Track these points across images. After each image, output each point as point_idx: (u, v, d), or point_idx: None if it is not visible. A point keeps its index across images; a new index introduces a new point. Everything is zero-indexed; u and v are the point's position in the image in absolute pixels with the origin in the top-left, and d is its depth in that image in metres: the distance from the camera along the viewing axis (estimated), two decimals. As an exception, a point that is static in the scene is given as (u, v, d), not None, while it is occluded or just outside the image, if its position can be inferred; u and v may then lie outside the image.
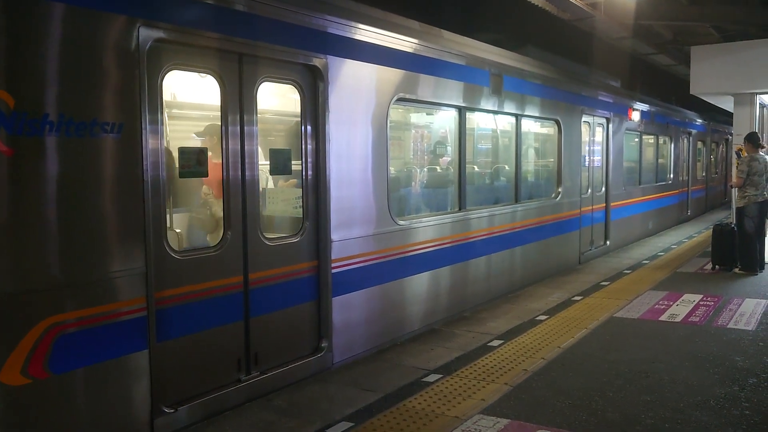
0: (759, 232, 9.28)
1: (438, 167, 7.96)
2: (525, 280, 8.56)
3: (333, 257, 5.24)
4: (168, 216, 4.26)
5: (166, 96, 4.39)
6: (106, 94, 3.67)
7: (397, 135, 7.54)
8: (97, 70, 3.63)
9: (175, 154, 4.28)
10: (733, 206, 9.72)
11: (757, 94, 11.76)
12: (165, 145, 4.14)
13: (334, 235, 5.25)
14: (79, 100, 3.54)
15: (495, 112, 8.02)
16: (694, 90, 12.09)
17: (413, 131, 7.98)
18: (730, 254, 9.40)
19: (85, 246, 3.60)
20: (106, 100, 3.67)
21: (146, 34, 3.82)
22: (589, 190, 10.74)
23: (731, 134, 14.08)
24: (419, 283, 6.41)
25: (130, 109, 3.76)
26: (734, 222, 9.51)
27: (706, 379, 4.94)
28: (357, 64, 5.48)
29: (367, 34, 5.55)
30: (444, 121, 7.78)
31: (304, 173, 5.11)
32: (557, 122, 9.42)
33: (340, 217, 5.30)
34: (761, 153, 9.23)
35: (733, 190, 9.75)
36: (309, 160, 5.13)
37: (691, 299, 7.60)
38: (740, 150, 9.70)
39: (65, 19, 3.47)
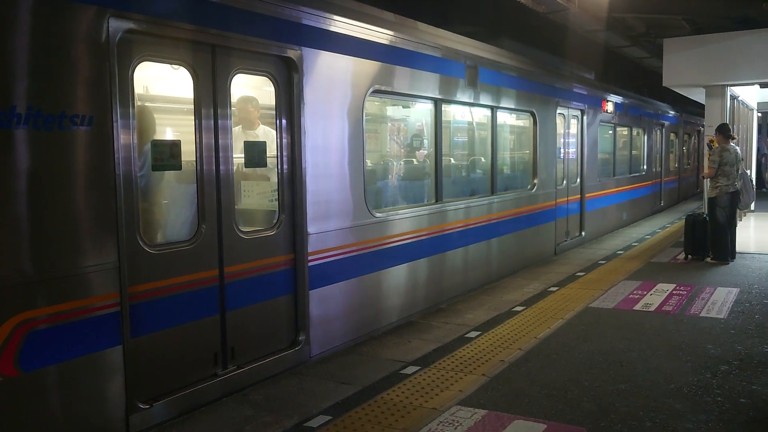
0: (730, 222, 9.44)
1: (414, 159, 7.96)
2: (502, 272, 8.61)
3: (309, 250, 5.22)
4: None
5: (138, 88, 4.33)
6: (75, 87, 3.59)
7: (373, 127, 7.51)
8: (67, 62, 3.55)
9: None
10: (705, 197, 9.87)
11: (727, 86, 11.93)
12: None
13: (311, 228, 5.22)
14: (48, 92, 3.46)
15: (471, 105, 8.03)
16: (667, 82, 12.23)
17: (390, 124, 7.97)
18: (703, 244, 9.56)
19: (56, 241, 3.53)
20: (76, 93, 3.60)
21: (116, 25, 3.75)
22: (565, 182, 10.83)
23: (703, 126, 14.28)
24: (396, 276, 6.42)
25: (101, 101, 3.70)
26: (706, 212, 9.66)
27: (679, 367, 5.02)
28: (332, 55, 5.44)
29: (342, 25, 5.52)
30: (420, 113, 7.77)
31: (279, 166, 5.07)
32: (532, 114, 9.47)
33: (316, 209, 5.27)
34: (732, 144, 9.37)
35: (705, 180, 9.90)
36: (284, 152, 5.09)
37: (664, 289, 7.71)
38: (712, 141, 9.85)
39: (33, 10, 3.39)
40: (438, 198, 7.21)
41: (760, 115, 20.16)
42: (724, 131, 9.42)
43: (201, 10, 4.33)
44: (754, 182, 12.03)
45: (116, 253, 3.80)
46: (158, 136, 4.51)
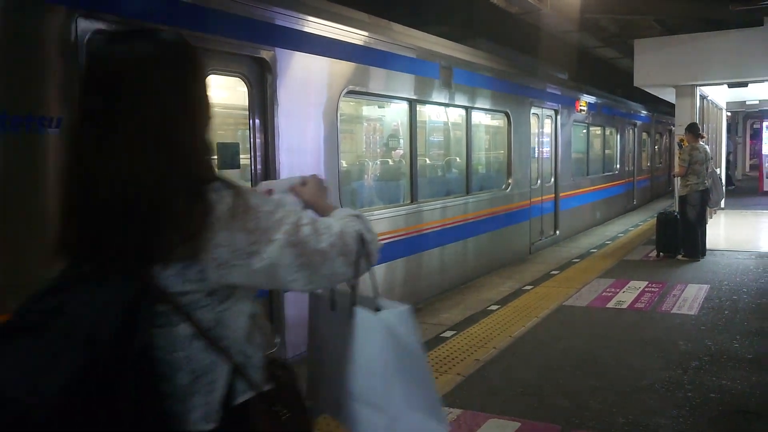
0: (701, 219, 9.60)
1: (390, 160, 7.97)
2: (477, 271, 8.66)
3: (284, 252, 5.18)
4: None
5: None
6: (43, 88, 3.54)
7: (348, 128, 7.51)
8: (33, 63, 3.50)
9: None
10: (676, 195, 10.02)
11: (697, 86, 12.14)
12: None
13: (285, 230, 5.19)
14: (13, 93, 3.41)
15: (445, 105, 8.07)
16: (638, 82, 12.40)
17: (365, 124, 7.97)
18: (674, 242, 9.70)
19: (24, 246, 3.47)
20: (44, 94, 3.54)
21: (85, 25, 3.69)
22: (539, 181, 10.92)
23: (674, 125, 14.51)
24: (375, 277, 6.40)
25: (70, 103, 3.64)
26: (677, 210, 9.81)
27: (651, 364, 5.09)
28: (306, 56, 5.43)
29: (315, 26, 5.50)
30: (395, 113, 7.78)
31: (253, 167, 5.04)
32: (507, 114, 9.53)
33: (290, 211, 5.24)
34: (701, 143, 9.53)
35: (676, 179, 10.05)
36: (258, 153, 5.06)
37: (636, 286, 7.81)
38: (682, 141, 10.00)
39: (-3, 9, 3.33)
40: (413, 198, 7.23)
41: (729, 114, 20.55)
42: (693, 130, 9.57)
43: (172, 10, 4.29)
44: (723, 180, 12.25)
45: (87, 256, 3.74)
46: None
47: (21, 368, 1.12)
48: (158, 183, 1.23)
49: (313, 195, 1.57)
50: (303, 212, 1.37)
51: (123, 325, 1.15)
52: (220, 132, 5.59)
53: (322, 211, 1.54)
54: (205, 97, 1.39)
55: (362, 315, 1.49)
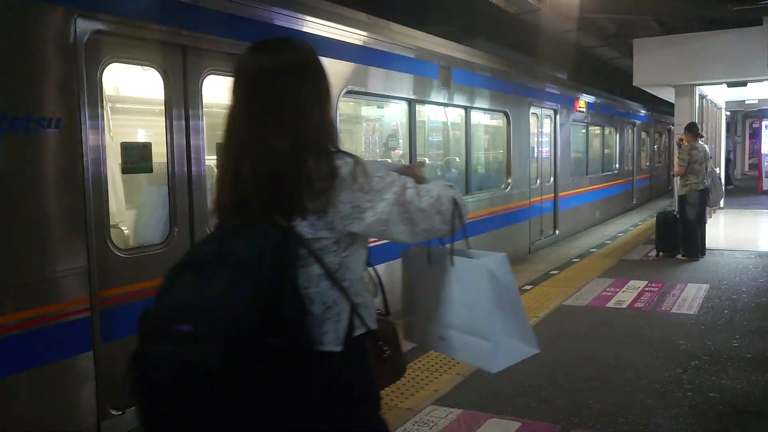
0: (700, 219, 9.60)
1: (389, 160, 7.96)
2: (477, 271, 8.64)
3: (284, 252, 5.18)
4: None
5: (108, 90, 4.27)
6: (41, 88, 3.53)
7: (347, 128, 7.51)
8: (32, 63, 3.49)
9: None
10: (676, 194, 10.02)
11: (696, 85, 12.13)
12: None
13: (285, 230, 5.18)
14: (13, 93, 3.40)
15: (444, 105, 8.06)
16: (637, 82, 12.40)
17: (364, 124, 7.97)
18: (673, 241, 9.70)
19: (24, 246, 3.47)
20: (42, 94, 3.54)
21: (84, 25, 3.69)
22: (538, 181, 10.92)
23: (673, 125, 14.52)
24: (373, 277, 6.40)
25: (69, 103, 3.64)
26: (677, 210, 9.82)
27: (651, 363, 5.09)
28: (305, 56, 5.42)
29: (314, 26, 5.50)
30: (395, 114, 7.78)
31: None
32: (506, 114, 9.53)
33: (290, 211, 5.24)
34: (700, 142, 9.53)
35: (675, 178, 10.04)
36: (257, 154, 5.05)
37: (636, 286, 7.81)
38: (681, 140, 10.00)
39: (-4, 10, 3.33)
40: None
41: (728, 114, 20.56)
42: (692, 130, 9.58)
43: (171, 10, 4.28)
44: (722, 180, 12.25)
45: (86, 257, 3.74)
46: (129, 138, 4.46)
47: (197, 296, 1.48)
48: (294, 153, 1.59)
49: (411, 171, 1.84)
50: (408, 178, 1.70)
51: (277, 264, 1.50)
52: (219, 133, 5.59)
53: (419, 182, 1.80)
54: (327, 88, 1.74)
55: (463, 262, 1.86)
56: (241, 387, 1.44)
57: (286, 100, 1.64)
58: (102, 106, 3.91)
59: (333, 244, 1.62)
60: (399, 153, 7.81)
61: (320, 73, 1.74)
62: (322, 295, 1.61)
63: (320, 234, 1.60)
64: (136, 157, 4.20)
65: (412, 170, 1.84)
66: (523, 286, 7.97)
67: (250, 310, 1.44)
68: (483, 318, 1.79)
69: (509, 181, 9.70)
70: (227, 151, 1.68)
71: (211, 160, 4.86)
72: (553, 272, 8.85)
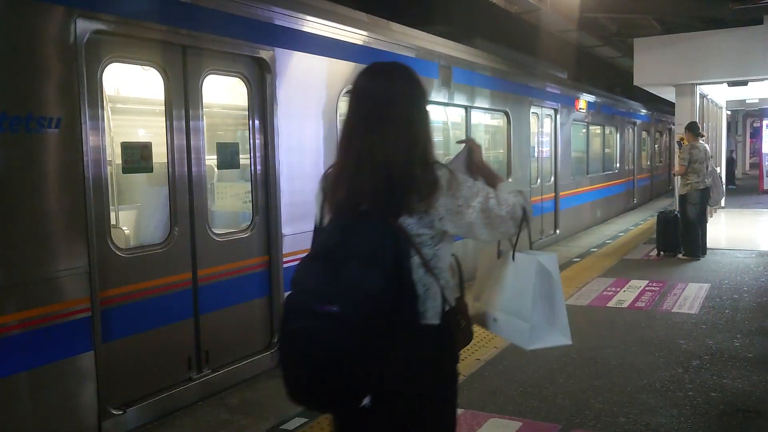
0: (701, 218, 9.59)
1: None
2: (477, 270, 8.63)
3: (284, 252, 5.18)
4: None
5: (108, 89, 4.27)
6: (42, 88, 3.53)
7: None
8: (33, 63, 3.50)
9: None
10: (677, 194, 10.01)
11: (697, 84, 12.12)
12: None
13: (285, 230, 5.19)
14: (13, 93, 3.41)
15: (445, 104, 8.05)
16: (638, 81, 12.39)
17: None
18: (674, 240, 9.69)
19: (24, 246, 3.47)
20: (43, 94, 3.54)
21: (84, 25, 3.69)
22: (539, 180, 10.91)
23: (674, 124, 14.50)
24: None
25: (69, 103, 3.64)
26: (677, 209, 9.81)
27: (652, 363, 5.09)
28: (305, 56, 5.42)
29: (314, 26, 5.50)
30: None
31: (252, 167, 5.03)
32: (506, 114, 9.52)
33: (291, 211, 5.25)
34: (701, 142, 9.52)
35: (676, 178, 10.03)
36: (257, 153, 5.05)
37: (637, 285, 7.80)
38: (681, 139, 9.99)
39: (-4, 10, 3.32)
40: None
41: (728, 113, 20.54)
42: (693, 129, 9.57)
43: (171, 10, 4.28)
44: (723, 179, 12.24)
45: (86, 257, 3.74)
46: (128, 138, 4.45)
47: (337, 282, 1.79)
48: (406, 163, 1.92)
49: (483, 170, 2.23)
50: (489, 189, 2.05)
51: (396, 256, 1.84)
52: (219, 132, 5.59)
53: (490, 178, 2.19)
54: (428, 108, 2.08)
55: (522, 257, 2.19)
56: (376, 353, 1.80)
57: (401, 120, 1.97)
58: (102, 106, 3.91)
59: (429, 239, 1.96)
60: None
61: (425, 95, 2.07)
62: (421, 280, 1.95)
63: (420, 231, 1.94)
64: (136, 157, 4.19)
65: (477, 154, 2.25)
66: (524, 285, 7.96)
67: (383, 294, 1.79)
68: (527, 303, 2.12)
69: (510, 180, 9.69)
70: (345, 157, 2.01)
71: (211, 160, 4.86)
72: (553, 272, 8.81)
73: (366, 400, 1.87)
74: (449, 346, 2.07)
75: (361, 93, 2.03)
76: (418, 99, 2.04)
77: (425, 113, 2.06)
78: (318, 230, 2.11)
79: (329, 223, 2.02)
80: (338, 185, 2.00)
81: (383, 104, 1.98)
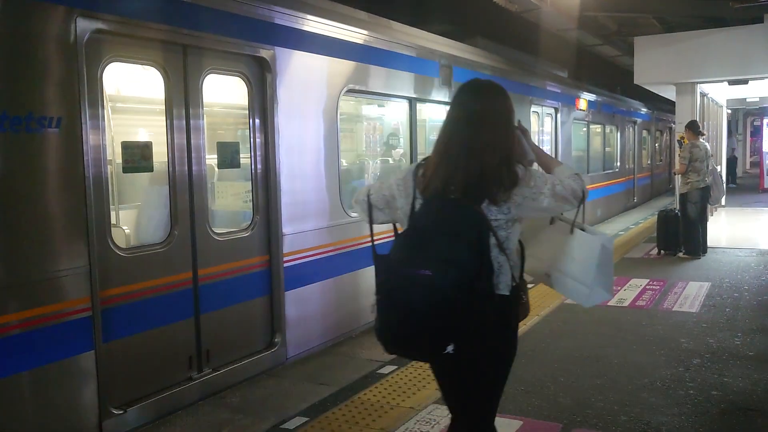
0: (701, 217, 9.58)
1: (390, 159, 7.95)
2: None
3: (285, 251, 5.19)
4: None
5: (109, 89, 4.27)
6: (42, 87, 3.54)
7: (348, 127, 7.50)
8: (33, 62, 3.49)
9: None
10: (677, 192, 10.01)
11: (697, 83, 12.11)
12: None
13: (286, 229, 5.19)
14: (13, 93, 3.40)
15: (445, 103, 8.04)
16: (638, 80, 12.38)
17: (365, 123, 7.95)
18: (675, 239, 9.68)
19: (25, 245, 3.47)
20: (43, 94, 3.54)
21: (84, 25, 3.69)
22: (539, 179, 10.87)
23: (674, 122, 14.49)
24: (374, 275, 6.38)
25: (69, 102, 3.64)
26: (678, 208, 9.80)
27: (653, 361, 5.09)
28: (305, 55, 5.42)
29: (315, 25, 5.49)
30: (395, 112, 7.77)
31: (253, 166, 5.03)
32: (507, 113, 9.49)
33: (291, 210, 5.25)
34: (701, 140, 9.51)
35: (676, 176, 10.02)
36: (258, 153, 5.05)
37: (638, 284, 7.80)
38: (682, 138, 9.98)
39: (-4, 9, 3.32)
40: (414, 197, 7.20)
41: (729, 112, 20.52)
42: (693, 128, 9.55)
43: (171, 9, 4.28)
44: (724, 178, 12.22)
45: (87, 256, 3.74)
46: (129, 138, 4.45)
47: (431, 252, 2.24)
48: (495, 164, 2.36)
49: (539, 154, 2.66)
50: (555, 178, 2.46)
51: (479, 235, 2.28)
52: (219, 132, 5.59)
53: (546, 163, 2.63)
54: (515, 119, 2.55)
55: (585, 235, 2.67)
56: (459, 311, 2.21)
57: (494, 129, 2.43)
58: (103, 106, 3.91)
59: (504, 223, 2.38)
60: (400, 152, 7.80)
61: (512, 109, 2.54)
62: (496, 258, 2.35)
63: (497, 216, 2.36)
64: (136, 157, 4.19)
65: (528, 137, 2.65)
66: (526, 284, 7.95)
67: (469, 264, 2.22)
68: (589, 272, 2.62)
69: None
70: (444, 153, 2.43)
71: (211, 160, 4.86)
72: (554, 271, 8.81)
73: (449, 348, 2.25)
74: (515, 313, 2.51)
75: (462, 105, 2.50)
76: (508, 112, 2.51)
77: (512, 124, 2.53)
78: (412, 213, 2.47)
79: (422, 207, 2.45)
80: (435, 177, 2.42)
81: (480, 116, 2.44)
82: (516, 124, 2.55)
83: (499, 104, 2.51)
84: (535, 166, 2.62)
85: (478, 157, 2.37)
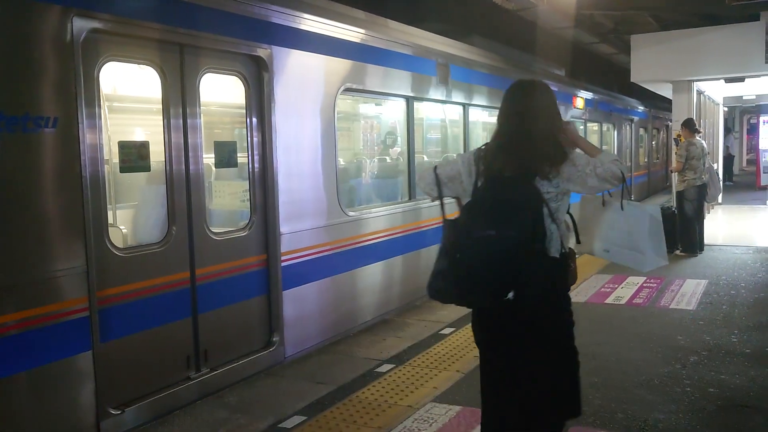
0: (698, 214, 9.60)
1: (388, 157, 7.96)
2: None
3: (282, 250, 5.19)
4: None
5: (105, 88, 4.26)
6: (39, 87, 3.53)
7: (345, 126, 7.50)
8: (29, 62, 3.49)
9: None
10: (674, 190, 10.02)
11: (694, 81, 12.12)
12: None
13: (283, 228, 5.19)
14: (10, 93, 3.40)
15: (442, 102, 8.05)
16: (635, 78, 12.39)
17: (362, 122, 7.96)
18: (672, 237, 9.68)
19: (22, 246, 3.47)
20: (40, 94, 3.53)
21: (81, 24, 3.68)
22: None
23: (671, 120, 14.51)
24: (371, 274, 6.41)
25: (66, 102, 3.63)
26: (675, 205, 9.81)
27: (650, 359, 5.10)
28: (302, 54, 5.42)
29: (312, 24, 5.49)
30: (392, 111, 7.78)
31: (250, 166, 5.03)
32: (504, 111, 9.49)
33: (288, 209, 5.25)
34: (698, 138, 9.53)
35: (673, 174, 10.03)
36: (255, 152, 5.05)
37: (635, 282, 7.82)
38: (678, 136, 10.00)
39: (-8, 9, 3.32)
40: (411, 195, 7.23)
41: (725, 109, 20.55)
42: (689, 126, 9.57)
43: (168, 9, 4.28)
44: (720, 175, 12.24)
45: (84, 256, 3.74)
46: (126, 137, 4.45)
47: (496, 216, 2.72)
48: (545, 145, 2.85)
49: (583, 144, 3.00)
50: (596, 160, 2.82)
51: (534, 206, 2.75)
52: (216, 131, 5.59)
53: (590, 150, 2.94)
54: (559, 109, 3.05)
55: (631, 206, 3.12)
56: (518, 265, 2.69)
57: (544, 118, 2.92)
58: (99, 105, 3.91)
59: (554, 196, 2.83)
60: (397, 150, 7.81)
61: (556, 101, 3.03)
62: (548, 225, 2.78)
63: (549, 189, 2.81)
64: (133, 156, 4.19)
65: (581, 142, 3.02)
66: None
67: (525, 227, 2.68)
68: (642, 240, 3.03)
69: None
70: (503, 140, 2.94)
71: (209, 159, 4.86)
72: (551, 269, 8.82)
73: (510, 294, 2.72)
74: (564, 274, 2.91)
75: (515, 100, 2.99)
76: (553, 104, 3.00)
77: (557, 113, 3.00)
78: (475, 188, 2.93)
79: (484, 184, 2.91)
80: (495, 160, 2.90)
81: (532, 107, 2.93)
82: (557, 113, 3.01)
83: (546, 98, 2.99)
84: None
85: (532, 142, 2.86)
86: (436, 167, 3.11)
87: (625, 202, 3.11)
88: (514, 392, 2.96)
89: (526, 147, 2.85)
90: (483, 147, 3.01)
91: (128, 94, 5.16)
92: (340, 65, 5.88)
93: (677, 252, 9.60)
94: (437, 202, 3.06)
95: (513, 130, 2.91)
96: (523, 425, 2.96)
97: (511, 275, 2.69)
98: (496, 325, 2.96)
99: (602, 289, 7.46)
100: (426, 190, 3.14)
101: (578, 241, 3.17)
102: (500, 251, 2.67)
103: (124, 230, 4.75)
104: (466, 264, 2.73)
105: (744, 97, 17.25)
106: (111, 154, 4.33)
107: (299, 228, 5.39)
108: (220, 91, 5.32)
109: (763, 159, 20.87)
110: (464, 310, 6.60)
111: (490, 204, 2.80)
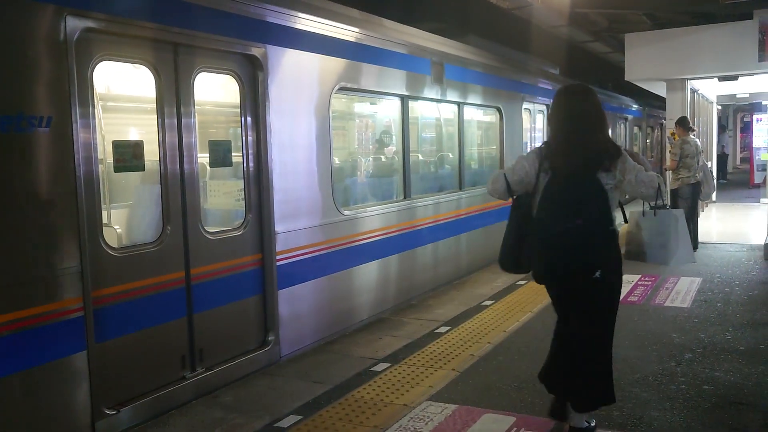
0: (692, 212, 9.62)
1: (382, 156, 7.95)
2: (471, 266, 8.67)
3: (277, 249, 5.18)
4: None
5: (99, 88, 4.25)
6: (32, 87, 3.52)
7: (340, 124, 7.49)
8: (22, 62, 3.47)
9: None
10: (668, 188, 10.05)
11: (687, 79, 12.16)
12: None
13: (278, 227, 5.19)
14: (3, 93, 3.38)
15: (437, 101, 8.05)
16: (629, 76, 12.42)
17: (357, 121, 7.95)
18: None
19: (15, 246, 3.45)
20: (33, 93, 3.52)
21: (74, 23, 3.67)
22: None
23: (665, 119, 14.55)
24: (366, 273, 6.41)
25: (59, 101, 3.62)
26: (669, 204, 9.82)
27: (645, 357, 5.11)
28: (297, 53, 5.41)
29: (306, 22, 5.49)
30: (387, 110, 7.77)
31: (245, 165, 5.02)
32: (498, 110, 9.54)
33: (283, 208, 5.24)
34: (692, 136, 9.56)
35: (667, 172, 10.06)
36: (250, 151, 5.04)
37: (629, 279, 7.82)
38: (672, 134, 10.03)
39: (-15, 8, 3.30)
40: (406, 194, 7.23)
41: (719, 108, 20.62)
42: (683, 124, 9.60)
43: (162, 8, 4.26)
44: (714, 174, 12.27)
45: (78, 256, 3.73)
46: (120, 137, 4.43)
47: (577, 207, 3.46)
48: (603, 143, 3.51)
49: (636, 158, 3.63)
50: (640, 167, 3.49)
51: (600, 195, 3.44)
52: (211, 130, 5.58)
53: (641, 163, 3.58)
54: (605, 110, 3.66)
55: (662, 213, 4.65)
56: (602, 244, 3.48)
57: (597, 119, 3.53)
58: (93, 105, 3.89)
59: (612, 187, 3.45)
60: (392, 149, 7.80)
61: (601, 104, 3.58)
62: (613, 211, 3.44)
63: (607, 181, 3.43)
64: (127, 156, 4.18)
65: (638, 157, 3.67)
66: (517, 281, 7.99)
67: (602, 213, 3.42)
68: (670, 240, 3.90)
69: (502, 176, 9.66)
70: (563, 140, 3.53)
71: (203, 158, 4.85)
72: (546, 267, 8.82)
73: (597, 273, 3.41)
74: (618, 249, 3.58)
75: (569, 104, 3.57)
76: (601, 106, 3.54)
77: (605, 114, 3.58)
78: (546, 185, 3.52)
79: (552, 178, 3.50)
80: (556, 158, 3.49)
81: (586, 110, 3.51)
82: (605, 114, 3.63)
83: (597, 100, 3.56)
84: None
85: (590, 140, 3.44)
86: (505, 173, 3.68)
87: (658, 208, 3.92)
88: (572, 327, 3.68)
89: (587, 145, 3.42)
90: (543, 146, 3.59)
91: (122, 94, 5.14)
92: (334, 64, 5.88)
93: (672, 250, 9.62)
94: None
95: (573, 131, 3.47)
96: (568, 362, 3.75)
97: (597, 256, 3.41)
98: (572, 288, 3.60)
99: (597, 287, 7.45)
100: (497, 195, 3.82)
101: (625, 221, 4.08)
102: (587, 236, 3.36)
103: (118, 230, 4.74)
104: (561, 252, 3.42)
105: (737, 96, 17.32)
106: (105, 154, 4.32)
107: (294, 227, 5.38)
108: (215, 90, 5.31)
109: (757, 157, 20.96)
110: (459, 309, 6.65)
111: (565, 198, 3.42)
